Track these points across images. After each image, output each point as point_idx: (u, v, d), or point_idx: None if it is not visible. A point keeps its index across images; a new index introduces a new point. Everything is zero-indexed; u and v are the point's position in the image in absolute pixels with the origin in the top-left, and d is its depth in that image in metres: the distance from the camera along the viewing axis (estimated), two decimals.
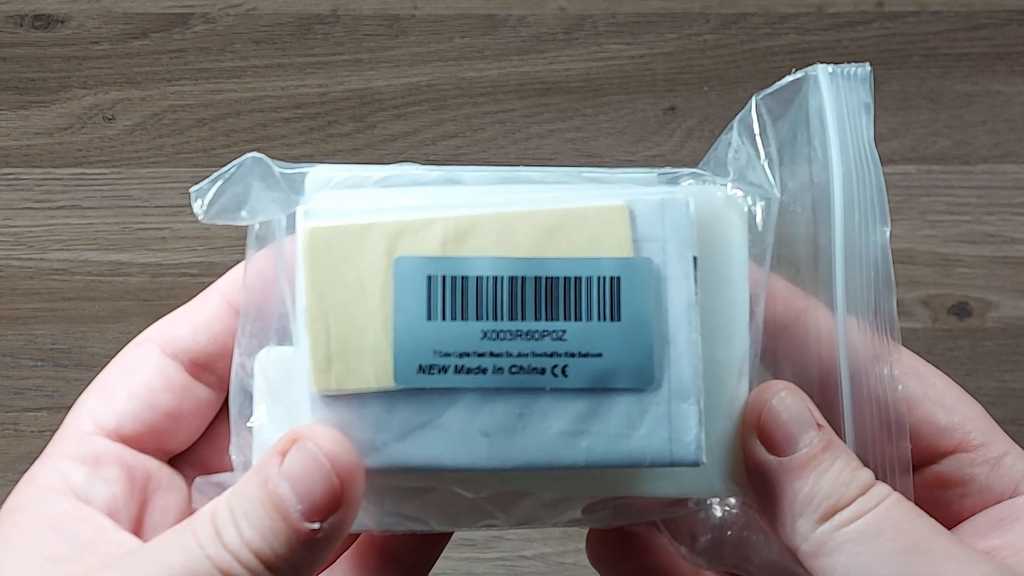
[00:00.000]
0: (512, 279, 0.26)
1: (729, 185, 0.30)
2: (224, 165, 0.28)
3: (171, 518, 0.30)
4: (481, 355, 0.26)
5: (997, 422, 0.33)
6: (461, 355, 0.26)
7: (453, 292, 0.26)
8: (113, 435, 0.30)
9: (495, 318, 0.26)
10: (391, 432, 0.26)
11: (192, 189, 0.28)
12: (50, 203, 0.73)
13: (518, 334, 0.26)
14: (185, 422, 0.30)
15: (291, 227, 0.28)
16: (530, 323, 0.26)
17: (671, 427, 0.26)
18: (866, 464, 0.28)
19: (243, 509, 0.25)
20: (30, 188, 0.73)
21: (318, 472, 0.25)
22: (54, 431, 0.30)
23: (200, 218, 0.28)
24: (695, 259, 0.27)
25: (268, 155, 0.77)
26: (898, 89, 0.75)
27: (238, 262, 0.32)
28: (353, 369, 0.26)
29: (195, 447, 0.32)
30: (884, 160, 0.74)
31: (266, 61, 0.75)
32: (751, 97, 0.31)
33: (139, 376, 0.30)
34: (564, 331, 0.26)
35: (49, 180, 0.74)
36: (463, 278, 0.26)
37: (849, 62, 0.28)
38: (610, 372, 0.26)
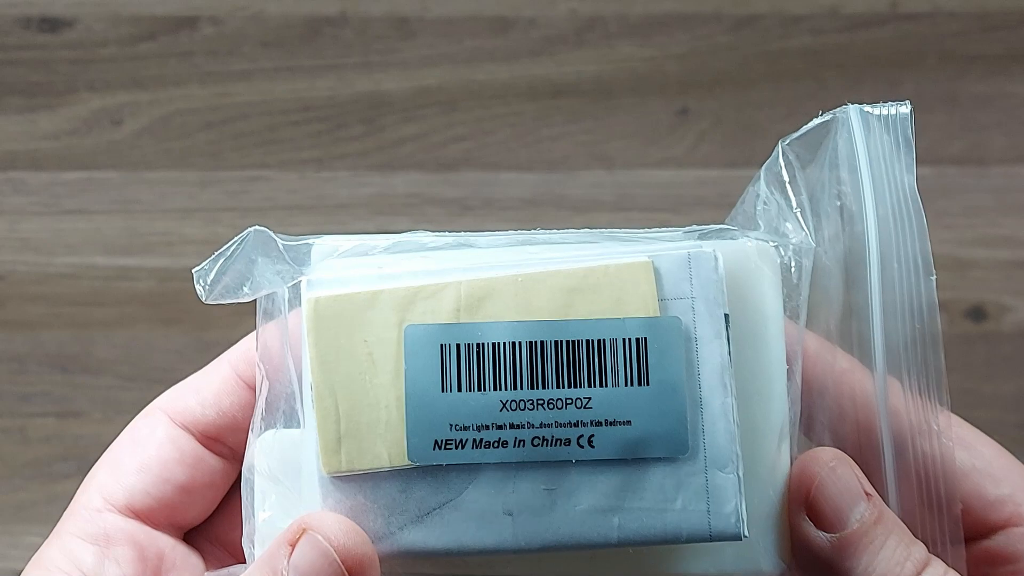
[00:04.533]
0: (531, 344, 0.24)
1: (759, 238, 0.28)
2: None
3: None
4: (501, 427, 0.24)
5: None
6: (479, 428, 0.24)
7: (468, 361, 0.24)
8: (124, 511, 0.29)
9: (514, 387, 0.24)
10: (407, 514, 0.25)
11: (194, 270, 0.27)
12: (57, 207, 0.73)
13: (540, 403, 0.24)
14: (199, 495, 0.30)
15: (295, 300, 0.26)
16: (552, 391, 0.24)
17: (709, 499, 0.24)
18: (915, 536, 0.27)
19: None
20: (37, 192, 0.73)
21: (327, 568, 0.24)
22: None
23: (204, 300, 0.27)
24: (727, 316, 0.25)
25: (277, 158, 0.77)
26: (913, 91, 0.75)
27: None
28: (365, 448, 0.24)
29: (210, 521, 0.31)
30: None
31: (274, 64, 0.75)
32: (777, 144, 0.29)
33: (149, 448, 0.29)
34: (589, 398, 0.24)
35: (56, 184, 0.73)
36: (478, 345, 0.24)
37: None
38: (641, 441, 0.24)
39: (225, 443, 0.30)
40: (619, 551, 0.25)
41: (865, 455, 0.28)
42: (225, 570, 0.29)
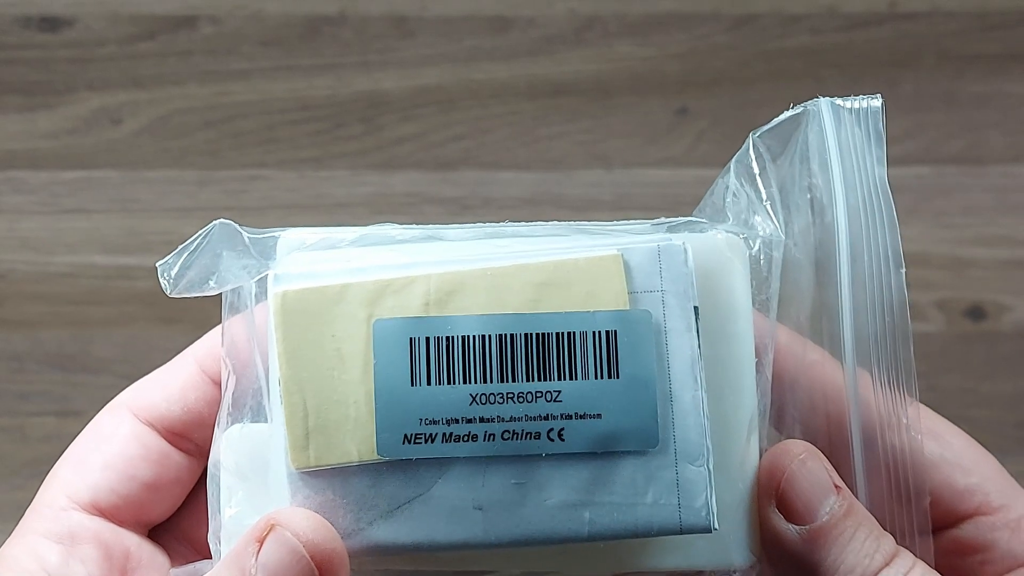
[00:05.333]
0: (501, 337, 0.24)
1: (729, 230, 0.28)
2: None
3: None
4: (470, 421, 0.24)
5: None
6: (449, 422, 0.24)
7: (438, 354, 0.24)
8: (90, 509, 0.28)
9: (484, 380, 0.24)
10: (377, 509, 0.24)
11: (159, 263, 0.26)
12: (56, 206, 0.73)
13: (510, 397, 0.24)
14: (165, 492, 0.29)
15: (262, 294, 0.26)
16: (522, 384, 0.24)
17: (679, 492, 0.24)
18: (884, 528, 0.27)
19: None
20: (36, 191, 0.73)
21: (296, 564, 0.24)
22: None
23: (168, 294, 0.26)
24: (696, 309, 0.25)
25: (276, 158, 0.77)
26: (911, 90, 0.75)
27: None
28: (334, 443, 0.24)
29: (176, 517, 0.30)
30: (897, 161, 0.74)
31: (273, 63, 0.75)
32: (748, 135, 0.29)
33: (113, 445, 0.28)
34: (559, 391, 0.24)
35: (55, 183, 0.73)
36: (448, 339, 0.24)
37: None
38: (611, 434, 0.24)
39: (191, 439, 0.29)
40: (590, 545, 0.25)
41: (835, 447, 0.28)
42: (191, 566, 0.28)
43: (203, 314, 0.71)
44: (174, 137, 0.74)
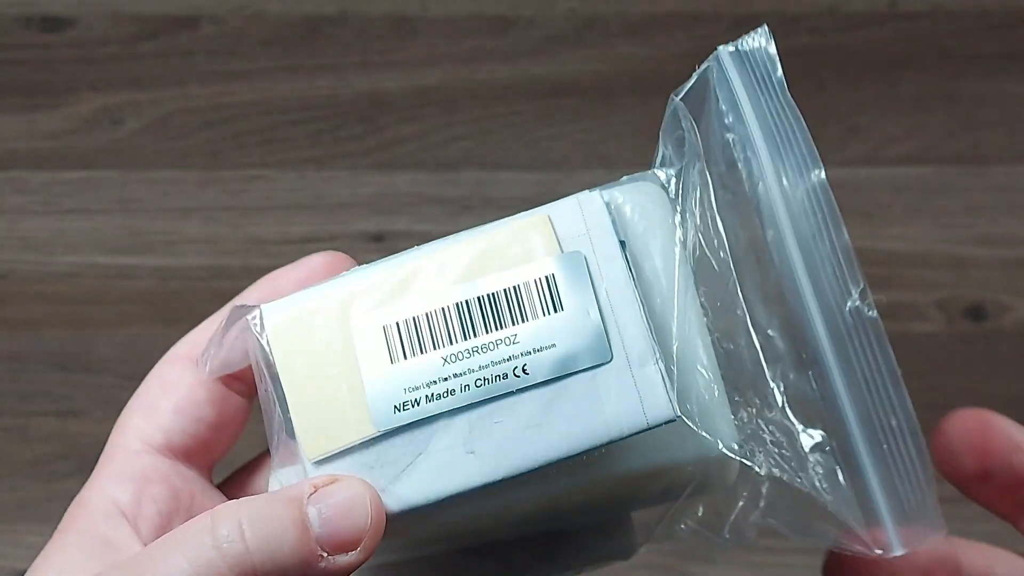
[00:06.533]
0: (458, 305, 0.28)
1: (643, 178, 0.31)
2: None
3: None
4: (446, 379, 0.27)
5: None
6: (428, 384, 0.27)
7: (408, 332, 0.28)
8: (163, 451, 0.31)
9: (450, 343, 0.28)
10: (386, 477, 0.27)
11: (199, 353, 0.31)
12: (57, 206, 0.73)
13: (474, 350, 0.28)
14: (225, 431, 0.32)
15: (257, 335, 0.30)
16: (483, 337, 0.28)
17: (640, 392, 0.27)
18: (872, 418, 0.29)
19: (255, 518, 0.26)
20: (37, 191, 0.73)
21: (359, 502, 0.27)
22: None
23: (207, 376, 0.31)
24: (623, 243, 0.29)
25: (277, 158, 0.77)
26: (912, 90, 0.75)
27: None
28: (337, 429, 0.28)
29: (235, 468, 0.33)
30: (897, 161, 0.74)
31: (274, 63, 0.75)
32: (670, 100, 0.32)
33: (181, 391, 0.31)
34: (515, 335, 0.28)
35: (56, 183, 0.73)
36: (413, 318, 0.28)
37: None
38: (568, 358, 0.27)
39: (243, 380, 0.32)
40: (575, 469, 0.28)
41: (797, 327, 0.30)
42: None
43: (203, 315, 0.71)
44: (175, 137, 0.74)
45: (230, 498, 0.31)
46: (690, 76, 0.32)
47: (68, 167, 0.73)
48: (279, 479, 0.29)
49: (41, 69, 0.74)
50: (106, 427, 0.32)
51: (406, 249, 0.30)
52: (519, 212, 0.30)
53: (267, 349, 0.29)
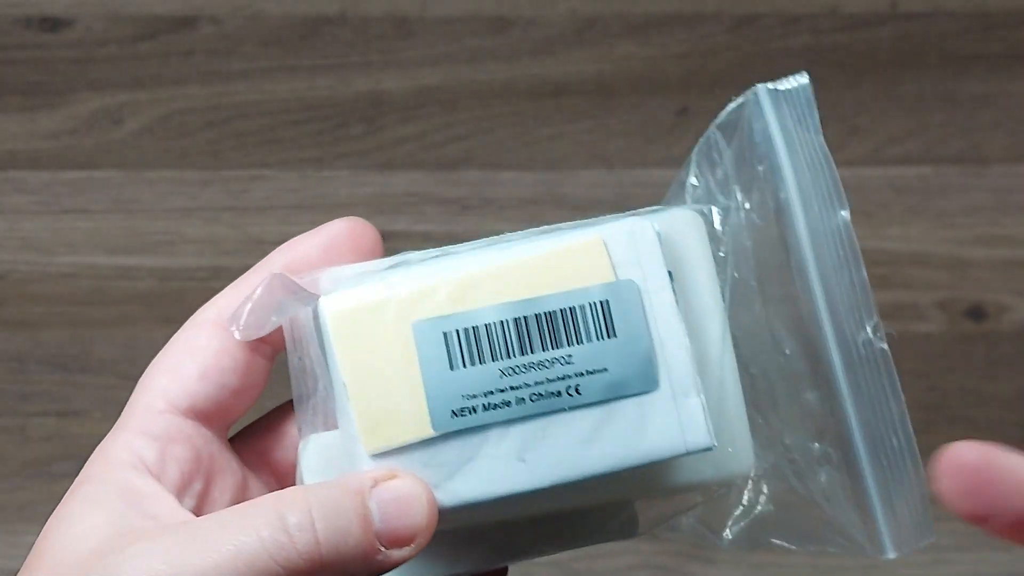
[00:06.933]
0: (516, 320, 0.30)
1: (688, 208, 0.33)
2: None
3: (228, 500, 0.32)
4: (503, 391, 0.29)
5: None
6: (486, 394, 0.29)
7: (468, 342, 0.30)
8: (187, 412, 0.32)
9: (508, 356, 0.30)
10: (440, 475, 0.29)
11: (226, 318, 0.31)
12: (57, 206, 0.73)
13: (531, 366, 0.29)
14: (246, 395, 0.33)
15: (315, 322, 0.31)
16: (539, 354, 0.30)
17: (680, 421, 0.30)
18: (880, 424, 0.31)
19: (327, 512, 0.28)
20: (37, 191, 0.73)
21: (418, 500, 0.28)
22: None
23: (239, 338, 0.31)
24: (670, 273, 0.30)
25: (277, 158, 0.77)
26: (913, 90, 0.75)
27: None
28: (396, 426, 0.29)
29: (249, 431, 0.34)
30: (898, 161, 0.74)
31: (274, 63, 0.75)
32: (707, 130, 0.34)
33: (207, 356, 0.32)
34: (570, 355, 0.30)
35: (56, 183, 0.73)
36: (474, 328, 0.30)
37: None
38: (618, 383, 0.30)
39: (268, 343, 0.33)
40: (610, 481, 0.30)
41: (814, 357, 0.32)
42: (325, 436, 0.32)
43: None
44: (175, 137, 0.74)
45: (243, 459, 0.33)
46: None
47: (68, 167, 0.73)
48: (320, 443, 0.31)
49: (40, 69, 0.74)
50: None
51: (445, 247, 0.31)
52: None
53: (326, 333, 0.30)
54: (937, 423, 0.70)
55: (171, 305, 0.71)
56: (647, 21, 0.75)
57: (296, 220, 0.73)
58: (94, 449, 0.32)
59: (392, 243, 0.72)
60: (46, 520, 0.33)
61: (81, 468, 0.32)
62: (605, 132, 0.74)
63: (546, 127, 0.74)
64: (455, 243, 0.32)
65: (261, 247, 0.72)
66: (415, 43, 0.75)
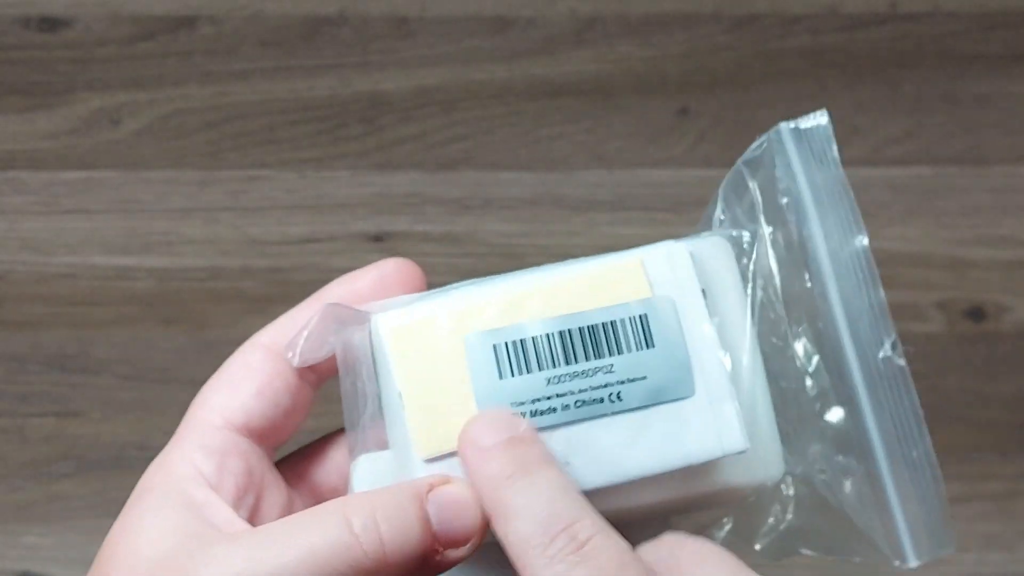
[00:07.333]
0: (561, 333, 0.32)
1: (718, 234, 0.35)
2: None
3: (276, 514, 0.33)
4: (549, 398, 0.31)
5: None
6: (534, 401, 0.31)
7: (516, 353, 0.32)
8: (241, 430, 0.33)
9: (554, 366, 0.31)
10: None
11: (281, 344, 0.34)
12: (56, 207, 0.73)
13: (575, 375, 0.31)
14: (294, 416, 0.35)
15: (369, 341, 0.33)
16: (583, 364, 0.31)
17: (717, 425, 0.32)
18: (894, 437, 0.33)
19: (390, 515, 0.29)
20: (36, 192, 0.73)
21: (472, 504, 0.30)
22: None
23: (296, 364, 0.33)
24: (703, 291, 0.33)
25: (276, 158, 0.77)
26: (912, 90, 0.75)
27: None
28: (449, 434, 0.31)
29: (296, 457, 0.36)
30: (897, 162, 0.74)
31: (273, 63, 0.75)
32: (747, 136, 0.36)
33: (262, 377, 0.34)
34: (612, 365, 0.32)
35: (55, 184, 0.73)
36: (521, 340, 0.32)
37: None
38: (657, 389, 0.32)
39: (316, 372, 0.35)
40: (651, 483, 0.32)
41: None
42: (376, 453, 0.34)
43: (202, 316, 0.71)
44: (174, 137, 0.74)
45: (287, 480, 0.35)
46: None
47: (67, 167, 0.73)
48: (371, 460, 0.32)
49: (39, 69, 0.74)
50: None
51: (456, 283, 0.33)
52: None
53: (382, 349, 0.32)
54: (937, 423, 0.69)
55: (170, 305, 0.71)
56: (647, 21, 0.75)
57: (295, 220, 0.73)
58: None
59: (392, 243, 0.72)
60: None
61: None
62: (605, 132, 0.74)
63: (546, 127, 0.74)
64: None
65: (260, 247, 0.72)
66: (414, 43, 0.75)
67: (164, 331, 0.71)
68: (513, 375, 0.31)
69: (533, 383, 0.31)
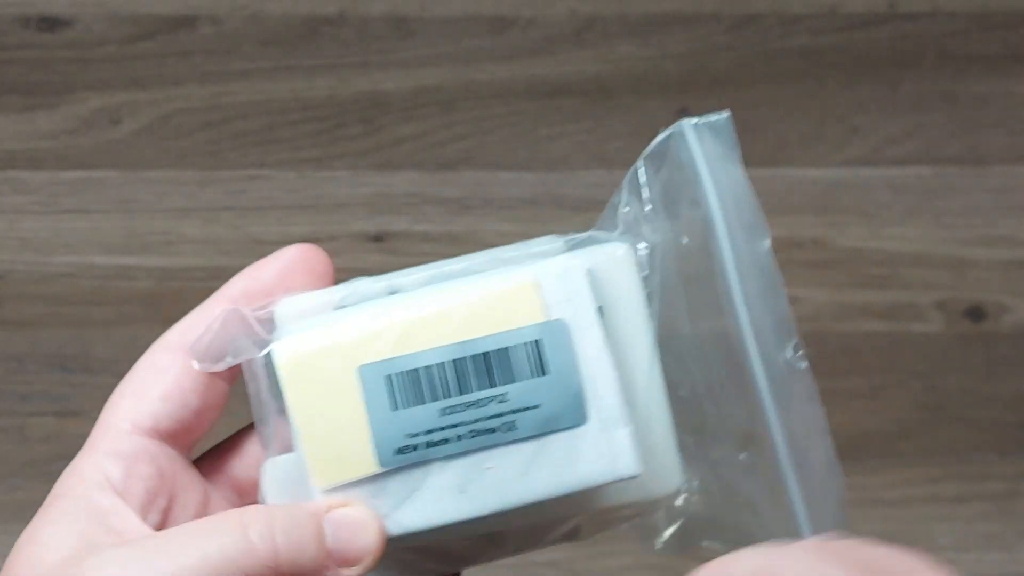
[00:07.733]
0: (455, 362, 0.32)
1: (620, 240, 0.35)
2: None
3: (190, 515, 0.33)
4: (443, 428, 0.31)
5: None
6: (428, 432, 0.31)
7: (409, 384, 0.32)
8: (150, 433, 0.33)
9: (447, 396, 0.32)
10: (387, 505, 0.31)
11: (188, 342, 0.34)
12: (56, 206, 0.73)
13: (469, 404, 0.31)
14: (207, 415, 0.34)
15: (268, 364, 0.33)
16: (476, 393, 0.32)
17: (610, 451, 0.32)
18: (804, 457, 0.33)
19: (287, 527, 0.30)
20: (36, 191, 0.73)
21: (368, 527, 0.31)
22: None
23: (197, 369, 0.33)
24: (600, 309, 0.32)
25: (276, 158, 0.77)
26: (912, 90, 0.75)
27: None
28: (344, 464, 0.31)
29: (215, 452, 0.36)
30: (897, 162, 0.74)
31: (273, 63, 0.75)
32: (637, 160, 0.36)
33: (169, 378, 0.34)
34: (505, 393, 0.32)
35: (55, 183, 0.73)
36: (415, 371, 0.32)
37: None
38: (550, 418, 0.32)
39: (228, 370, 0.34)
40: (548, 505, 0.32)
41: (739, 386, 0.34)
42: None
43: None
44: (174, 137, 0.74)
45: (207, 477, 0.35)
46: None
47: (66, 167, 0.73)
48: (276, 466, 0.33)
49: (39, 69, 0.74)
50: None
51: (406, 268, 0.34)
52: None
53: (279, 375, 0.32)
54: (937, 423, 0.70)
55: (170, 305, 0.71)
56: (647, 21, 0.75)
57: (295, 220, 0.73)
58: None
59: (392, 243, 0.72)
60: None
61: None
62: (605, 132, 0.74)
63: (546, 127, 0.74)
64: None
65: (260, 247, 0.72)
66: (414, 43, 0.75)
67: (164, 331, 0.71)
68: (408, 405, 0.31)
69: (427, 414, 0.31)
